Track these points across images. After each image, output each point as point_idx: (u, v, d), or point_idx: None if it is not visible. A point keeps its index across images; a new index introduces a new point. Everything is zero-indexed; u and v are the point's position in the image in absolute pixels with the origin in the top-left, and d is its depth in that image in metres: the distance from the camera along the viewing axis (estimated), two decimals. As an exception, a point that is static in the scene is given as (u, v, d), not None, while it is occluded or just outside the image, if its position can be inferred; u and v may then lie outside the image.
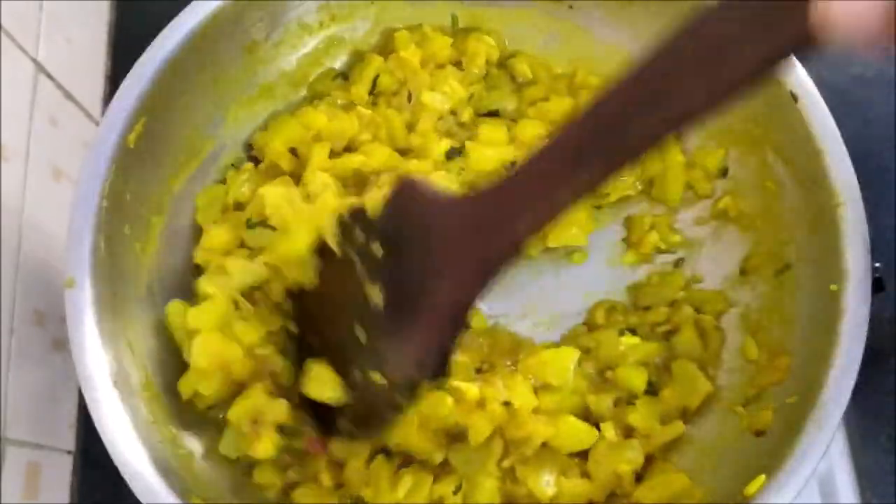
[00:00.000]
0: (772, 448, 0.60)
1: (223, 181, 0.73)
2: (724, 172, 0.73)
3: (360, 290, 0.56)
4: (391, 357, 0.55)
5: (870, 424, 0.80)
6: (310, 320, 0.62)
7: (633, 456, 0.64)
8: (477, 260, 0.51)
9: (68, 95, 0.80)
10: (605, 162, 0.46)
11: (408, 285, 0.54)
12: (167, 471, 0.59)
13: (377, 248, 0.55)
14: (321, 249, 0.60)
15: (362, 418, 0.59)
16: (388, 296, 0.55)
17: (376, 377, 0.56)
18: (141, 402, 0.62)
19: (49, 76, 0.76)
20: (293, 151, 0.72)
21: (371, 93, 0.74)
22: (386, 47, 0.76)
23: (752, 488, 0.57)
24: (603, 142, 0.45)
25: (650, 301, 0.72)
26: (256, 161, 0.74)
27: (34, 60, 0.74)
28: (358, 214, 0.57)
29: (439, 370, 0.56)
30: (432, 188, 0.55)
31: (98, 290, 0.60)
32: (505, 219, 0.49)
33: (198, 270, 0.71)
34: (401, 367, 0.55)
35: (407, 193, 0.54)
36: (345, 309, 0.58)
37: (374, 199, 0.57)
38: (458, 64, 0.76)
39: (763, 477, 0.57)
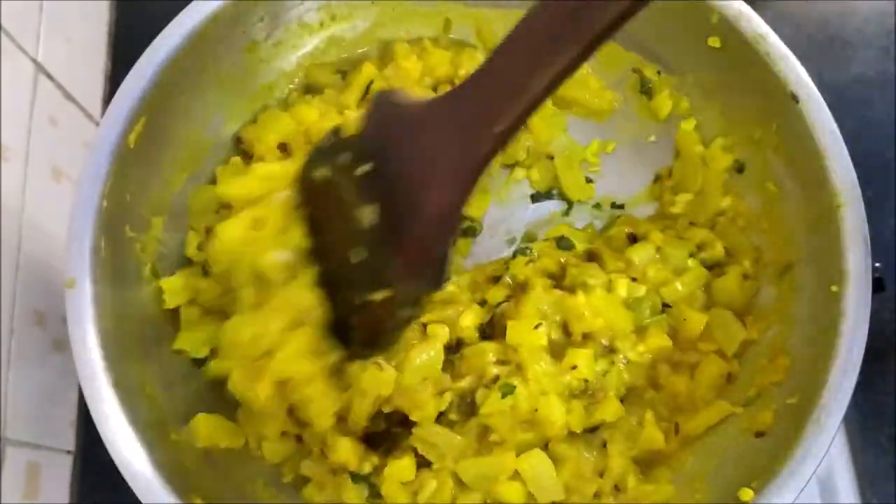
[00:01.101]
0: (772, 448, 0.60)
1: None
2: (739, 169, 0.73)
3: (350, 211, 0.54)
4: (389, 272, 0.54)
5: (870, 424, 0.80)
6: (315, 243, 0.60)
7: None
8: (460, 160, 0.49)
9: (68, 95, 0.80)
10: (579, 42, 0.45)
11: (397, 197, 0.52)
12: (167, 471, 0.59)
13: (362, 166, 0.54)
14: (302, 183, 0.58)
15: (370, 338, 0.59)
16: (381, 211, 0.53)
17: (376, 296, 0.55)
18: (141, 402, 0.62)
19: (49, 76, 0.76)
20: (283, 146, 0.72)
21: (363, 98, 0.74)
22: (385, 57, 0.76)
23: (744, 496, 0.58)
24: (575, 22, 0.45)
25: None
26: (245, 154, 0.74)
27: (34, 60, 0.74)
28: (336, 136, 0.55)
29: (439, 279, 0.55)
30: (409, 96, 0.54)
31: (98, 290, 0.60)
32: (485, 113, 0.48)
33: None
34: (400, 279, 0.54)
35: (385, 106, 0.53)
36: (337, 232, 0.56)
37: (351, 118, 0.57)
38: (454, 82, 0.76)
39: (751, 492, 0.57)
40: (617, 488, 0.66)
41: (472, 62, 0.75)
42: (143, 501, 0.57)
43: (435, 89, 0.75)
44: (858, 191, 0.62)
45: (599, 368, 0.66)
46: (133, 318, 0.64)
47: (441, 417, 0.65)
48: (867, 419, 0.80)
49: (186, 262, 0.71)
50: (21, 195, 0.70)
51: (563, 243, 0.72)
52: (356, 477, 0.64)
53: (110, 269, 0.62)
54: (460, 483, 0.64)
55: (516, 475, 0.63)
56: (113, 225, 0.62)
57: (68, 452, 0.75)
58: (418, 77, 0.74)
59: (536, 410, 0.63)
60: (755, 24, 0.67)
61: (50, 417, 0.73)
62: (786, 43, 0.66)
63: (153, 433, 0.61)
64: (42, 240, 0.72)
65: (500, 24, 0.77)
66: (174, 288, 0.68)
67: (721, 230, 0.72)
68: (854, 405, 0.58)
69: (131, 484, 0.57)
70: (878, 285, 0.61)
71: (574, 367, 0.64)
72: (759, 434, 0.63)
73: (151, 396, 0.63)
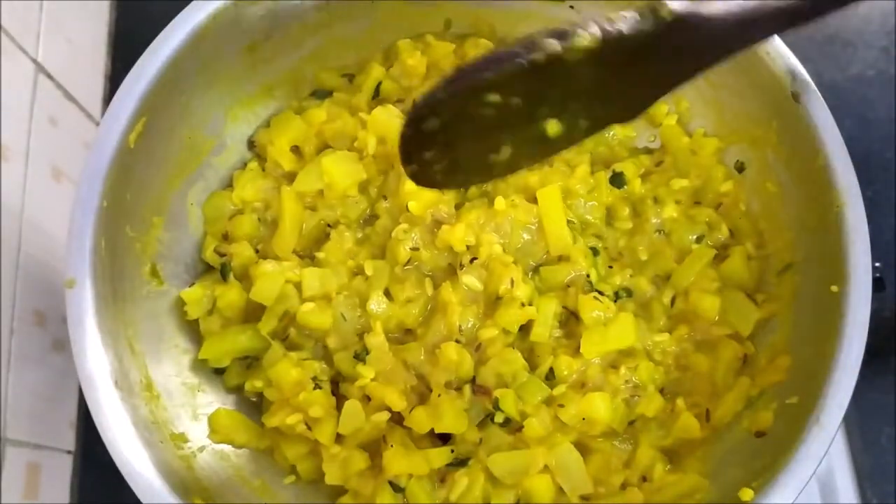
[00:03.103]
0: (772, 448, 0.60)
1: (227, 185, 0.73)
2: (739, 169, 0.73)
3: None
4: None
5: (870, 424, 0.81)
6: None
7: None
8: None
9: (68, 95, 0.80)
10: None
11: None
12: (167, 471, 0.59)
13: None
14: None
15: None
16: None
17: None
18: (141, 402, 0.62)
19: (49, 76, 0.76)
20: (296, 149, 0.72)
21: (374, 98, 0.74)
22: (389, 56, 0.76)
23: (744, 496, 0.58)
24: None
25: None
26: (260, 157, 0.74)
27: (34, 60, 0.74)
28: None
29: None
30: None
31: (98, 290, 0.60)
32: None
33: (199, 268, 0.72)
34: None
35: None
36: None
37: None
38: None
39: (751, 492, 0.57)
40: (644, 479, 0.66)
41: (476, 50, 0.75)
42: (143, 501, 0.57)
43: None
44: (858, 191, 0.62)
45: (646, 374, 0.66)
46: (133, 317, 0.64)
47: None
48: (867, 419, 0.80)
49: (189, 264, 0.71)
50: (21, 195, 0.70)
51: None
52: (396, 487, 0.64)
53: (110, 269, 0.62)
54: (492, 480, 0.64)
55: (546, 469, 0.63)
56: (113, 225, 0.62)
57: (68, 452, 0.75)
58: (424, 72, 0.74)
59: (584, 419, 0.64)
60: (755, 24, 0.67)
61: (50, 417, 0.73)
62: (786, 43, 0.66)
63: (153, 433, 0.61)
64: (42, 240, 0.72)
65: (501, 22, 0.77)
66: (194, 298, 0.69)
67: (724, 212, 0.72)
68: (854, 405, 0.58)
69: (131, 484, 0.57)
70: (878, 285, 0.61)
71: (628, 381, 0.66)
72: (759, 434, 0.63)
73: (152, 396, 0.63)
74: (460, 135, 0.55)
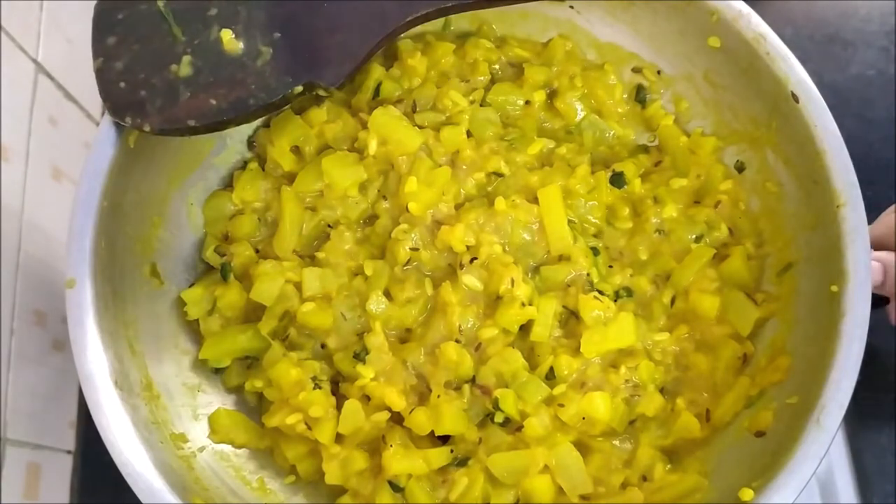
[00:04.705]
0: (772, 448, 0.60)
1: (227, 185, 0.73)
2: (739, 169, 0.73)
3: None
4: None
5: (870, 424, 0.81)
6: None
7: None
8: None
9: (68, 95, 0.80)
10: None
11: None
12: (167, 471, 0.59)
13: None
14: None
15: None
16: None
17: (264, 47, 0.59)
18: (141, 402, 0.62)
19: (49, 76, 0.76)
20: (296, 150, 0.72)
21: (374, 98, 0.74)
22: (389, 56, 0.76)
23: (744, 496, 0.58)
24: None
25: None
26: (260, 157, 0.74)
27: (34, 60, 0.74)
28: None
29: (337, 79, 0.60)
30: None
31: (98, 290, 0.60)
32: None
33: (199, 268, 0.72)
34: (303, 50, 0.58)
35: None
36: None
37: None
38: (462, 72, 0.76)
39: (751, 492, 0.57)
40: (644, 478, 0.65)
41: (476, 51, 0.75)
42: (143, 502, 0.57)
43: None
44: (858, 191, 0.62)
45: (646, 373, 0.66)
46: (133, 316, 0.65)
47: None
48: (867, 419, 0.80)
49: (189, 264, 0.71)
50: (21, 195, 0.70)
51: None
52: (395, 487, 0.64)
53: (110, 269, 0.62)
54: (492, 480, 0.64)
55: (546, 469, 0.63)
56: (113, 225, 0.62)
57: (68, 452, 0.75)
58: (425, 72, 0.74)
59: (584, 419, 0.64)
60: (755, 24, 0.67)
61: (50, 417, 0.73)
62: (786, 43, 0.66)
63: (153, 433, 0.61)
64: (42, 240, 0.72)
65: (501, 22, 0.77)
66: (194, 298, 0.69)
67: (724, 211, 0.72)
68: (854, 405, 0.58)
69: (131, 484, 0.57)
70: (878, 285, 0.61)
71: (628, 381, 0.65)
72: (759, 434, 0.63)
73: (152, 396, 0.63)
74: (140, 22, 0.58)
